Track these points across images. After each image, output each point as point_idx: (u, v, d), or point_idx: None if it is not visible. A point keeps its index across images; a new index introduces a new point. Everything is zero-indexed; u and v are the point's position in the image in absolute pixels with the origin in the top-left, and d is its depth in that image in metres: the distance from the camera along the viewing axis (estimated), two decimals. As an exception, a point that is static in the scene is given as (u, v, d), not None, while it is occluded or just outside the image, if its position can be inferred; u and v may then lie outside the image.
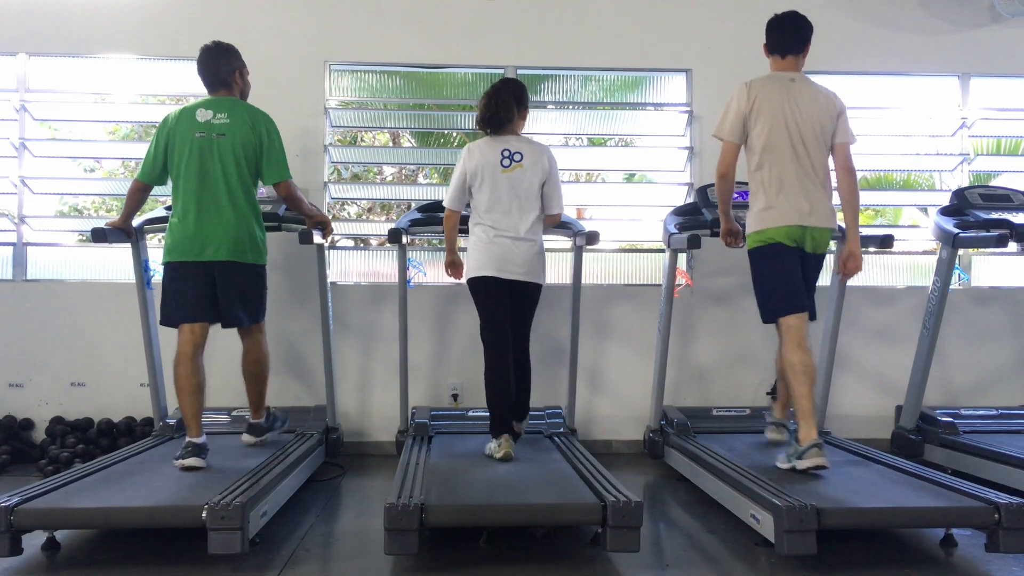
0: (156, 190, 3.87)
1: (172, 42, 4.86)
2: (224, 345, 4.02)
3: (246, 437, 3.99)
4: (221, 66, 3.74)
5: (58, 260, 4.97)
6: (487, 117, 3.81)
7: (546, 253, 3.93)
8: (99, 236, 3.93)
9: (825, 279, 4.16)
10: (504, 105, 3.80)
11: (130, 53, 4.90)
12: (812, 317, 3.66)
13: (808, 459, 3.36)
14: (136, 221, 4.11)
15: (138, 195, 3.85)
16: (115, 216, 4.03)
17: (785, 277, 3.59)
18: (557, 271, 4.92)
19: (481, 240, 3.80)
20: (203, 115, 3.66)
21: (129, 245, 4.16)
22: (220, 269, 3.63)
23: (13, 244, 4.86)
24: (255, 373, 3.89)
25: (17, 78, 4.87)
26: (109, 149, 5.59)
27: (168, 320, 3.68)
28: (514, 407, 3.85)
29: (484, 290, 3.81)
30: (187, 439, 3.54)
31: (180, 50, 4.83)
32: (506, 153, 3.79)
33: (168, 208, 4.13)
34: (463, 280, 3.91)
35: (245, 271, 3.69)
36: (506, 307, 3.83)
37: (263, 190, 3.95)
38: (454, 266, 4.01)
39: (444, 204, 3.92)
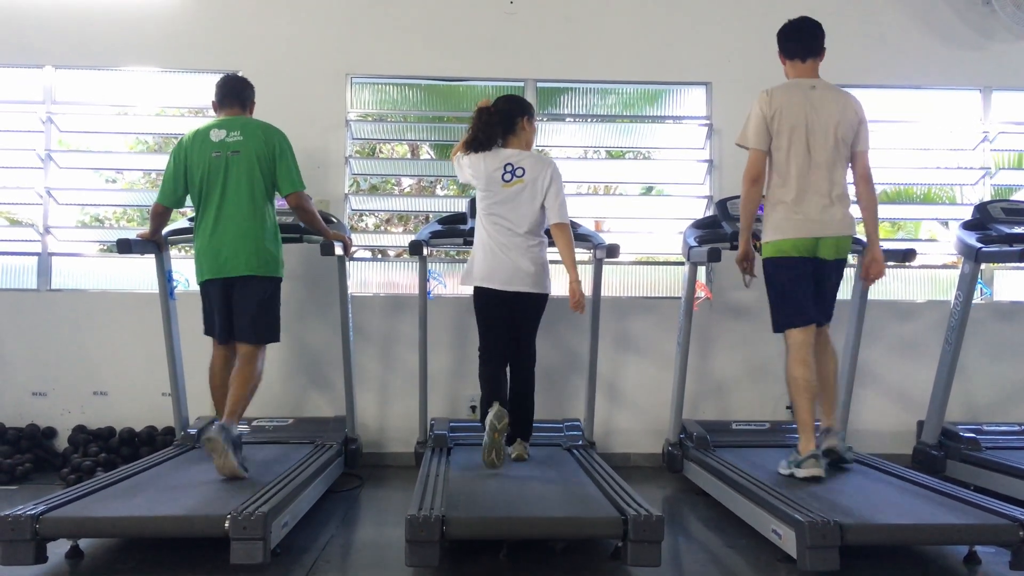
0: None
1: (195, 55, 4.92)
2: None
3: (211, 431, 3.46)
4: (247, 90, 3.92)
5: (81, 270, 5.03)
6: (469, 140, 3.89)
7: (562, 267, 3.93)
8: (124, 247, 3.99)
9: (846, 292, 4.16)
10: (491, 130, 3.85)
11: (153, 66, 4.96)
12: (827, 320, 3.77)
13: (806, 468, 3.54)
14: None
15: (159, 217, 4.00)
16: (136, 226, 4.11)
17: (794, 290, 3.64)
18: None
19: (481, 250, 3.84)
20: (217, 135, 3.75)
21: (151, 256, 4.20)
22: (238, 284, 3.72)
23: (38, 254, 4.92)
24: (245, 375, 3.68)
25: (44, 90, 4.94)
26: (132, 161, 5.65)
27: (207, 331, 3.90)
28: (516, 423, 3.81)
29: (482, 305, 3.89)
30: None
31: (203, 63, 4.90)
32: (508, 167, 3.81)
33: (192, 219, 4.20)
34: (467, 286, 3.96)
35: (262, 284, 3.76)
36: (504, 321, 3.86)
37: (282, 202, 4.01)
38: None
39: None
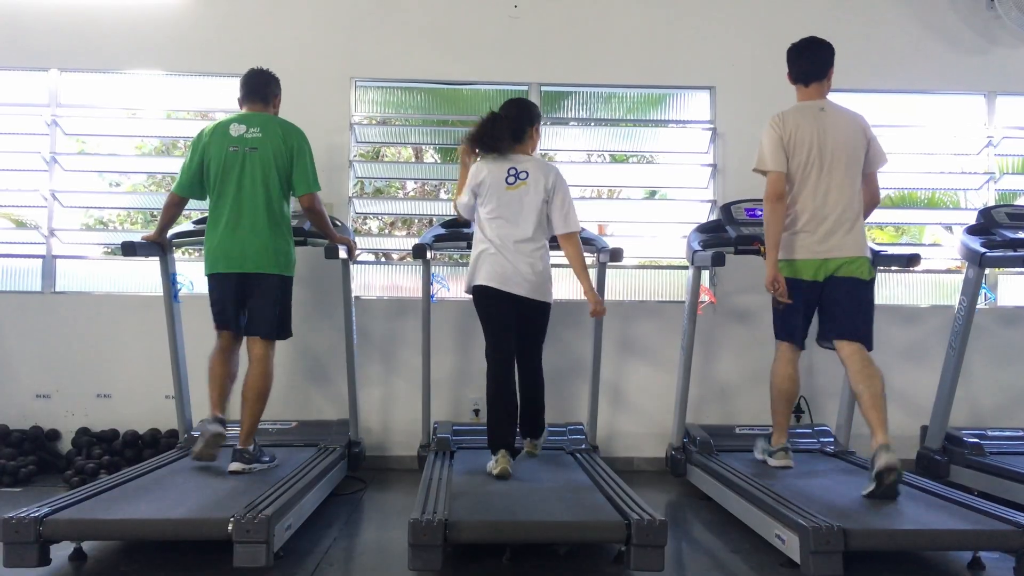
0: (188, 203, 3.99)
1: (200, 59, 4.94)
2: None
3: (234, 465, 3.66)
4: (271, 85, 3.93)
5: (85, 272, 5.04)
6: (478, 137, 3.82)
7: (566, 270, 3.93)
8: (129, 250, 4.01)
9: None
10: (498, 133, 3.80)
11: (159, 69, 4.98)
12: (860, 338, 3.62)
13: (778, 459, 3.94)
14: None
15: (173, 208, 3.99)
16: (140, 228, 4.12)
17: (790, 312, 3.74)
18: (580, 287, 4.92)
19: (485, 253, 3.78)
20: (236, 129, 3.76)
21: (156, 258, 4.22)
22: (254, 280, 3.75)
23: (43, 256, 4.93)
24: (257, 389, 3.76)
25: (49, 93, 4.95)
26: (137, 164, 5.66)
27: (215, 323, 3.87)
28: (527, 424, 3.87)
29: (486, 303, 3.79)
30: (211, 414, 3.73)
31: (208, 66, 4.92)
32: (512, 171, 3.79)
33: (196, 223, 4.22)
34: (466, 291, 3.89)
35: (274, 282, 3.78)
36: (509, 321, 3.79)
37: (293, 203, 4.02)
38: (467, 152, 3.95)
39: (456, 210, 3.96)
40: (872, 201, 3.79)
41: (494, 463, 3.64)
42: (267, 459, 3.86)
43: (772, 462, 3.94)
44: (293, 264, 3.88)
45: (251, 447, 3.77)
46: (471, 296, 3.86)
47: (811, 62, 3.73)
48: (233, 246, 3.71)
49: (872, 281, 3.71)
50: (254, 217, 3.71)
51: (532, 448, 3.96)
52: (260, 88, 3.90)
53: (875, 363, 3.58)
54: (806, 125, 3.63)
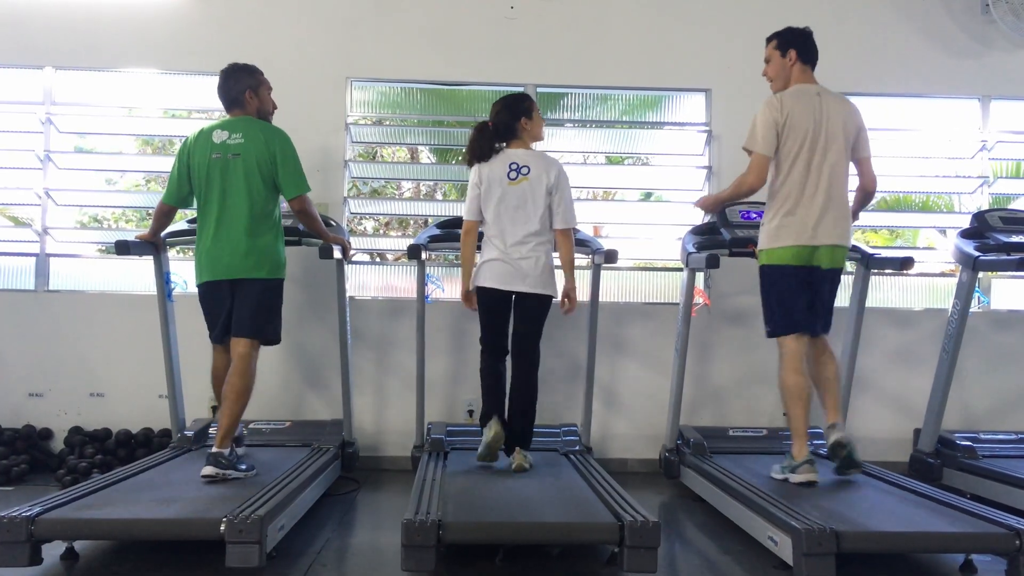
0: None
1: (195, 58, 4.92)
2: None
3: (207, 469, 3.48)
4: (231, 87, 3.82)
5: (79, 271, 5.02)
6: (471, 153, 3.93)
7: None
8: (123, 248, 4.00)
9: (843, 299, 4.17)
10: (481, 137, 3.91)
11: (154, 68, 4.97)
12: (825, 330, 3.78)
13: (801, 474, 3.59)
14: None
15: (163, 217, 3.99)
16: (134, 227, 4.10)
17: (789, 299, 3.70)
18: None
19: (489, 252, 3.87)
20: (219, 136, 3.75)
21: (150, 257, 4.20)
22: (238, 285, 3.72)
23: (36, 255, 4.91)
24: (237, 388, 3.63)
25: (43, 91, 4.94)
26: (131, 162, 5.64)
27: (211, 336, 3.85)
28: (515, 430, 3.85)
29: (485, 301, 3.91)
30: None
31: (203, 65, 4.88)
32: (513, 166, 3.84)
33: (190, 222, 4.21)
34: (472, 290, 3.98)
35: (261, 285, 3.75)
36: (505, 319, 3.91)
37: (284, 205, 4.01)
38: (469, 299, 3.99)
39: (463, 216, 3.98)
40: (869, 188, 3.83)
41: (488, 430, 3.79)
42: (244, 467, 3.61)
43: (795, 478, 3.59)
44: (282, 267, 3.85)
45: (227, 451, 3.55)
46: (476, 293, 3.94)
47: (814, 48, 3.79)
48: (219, 254, 3.70)
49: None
50: (237, 223, 3.68)
51: (522, 460, 3.79)
52: (228, 92, 3.82)
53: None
54: (804, 108, 3.64)
